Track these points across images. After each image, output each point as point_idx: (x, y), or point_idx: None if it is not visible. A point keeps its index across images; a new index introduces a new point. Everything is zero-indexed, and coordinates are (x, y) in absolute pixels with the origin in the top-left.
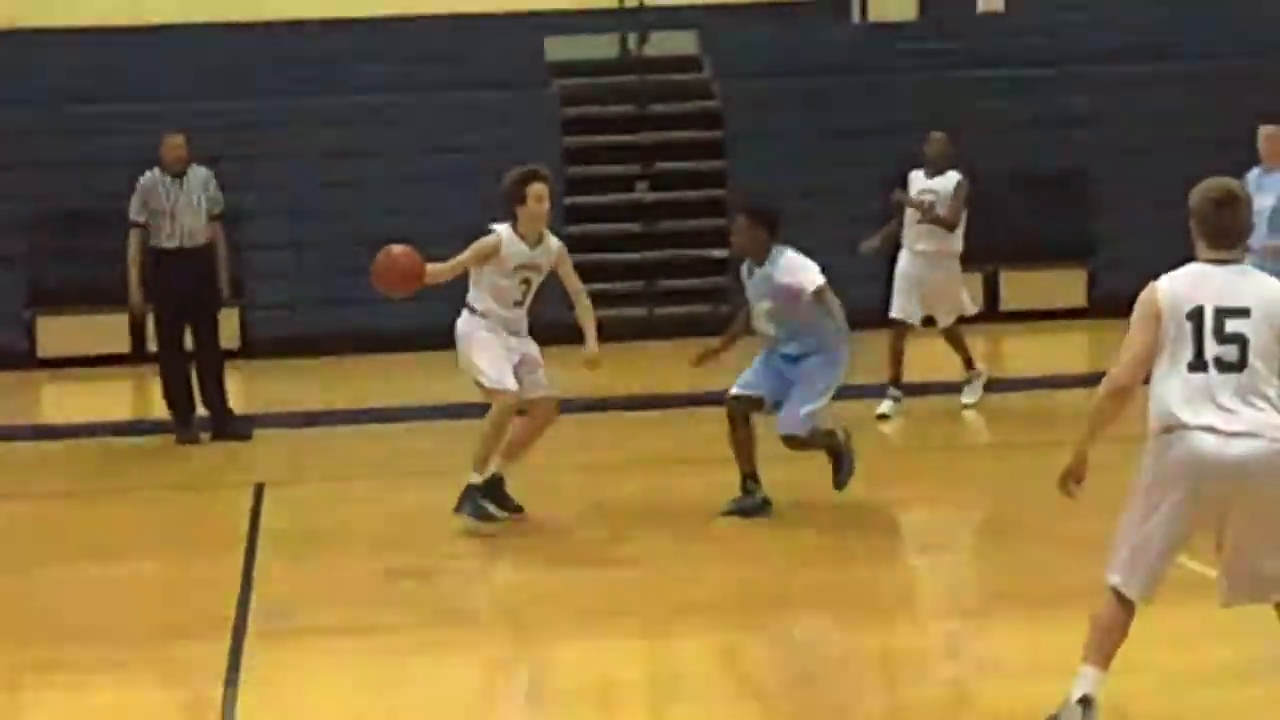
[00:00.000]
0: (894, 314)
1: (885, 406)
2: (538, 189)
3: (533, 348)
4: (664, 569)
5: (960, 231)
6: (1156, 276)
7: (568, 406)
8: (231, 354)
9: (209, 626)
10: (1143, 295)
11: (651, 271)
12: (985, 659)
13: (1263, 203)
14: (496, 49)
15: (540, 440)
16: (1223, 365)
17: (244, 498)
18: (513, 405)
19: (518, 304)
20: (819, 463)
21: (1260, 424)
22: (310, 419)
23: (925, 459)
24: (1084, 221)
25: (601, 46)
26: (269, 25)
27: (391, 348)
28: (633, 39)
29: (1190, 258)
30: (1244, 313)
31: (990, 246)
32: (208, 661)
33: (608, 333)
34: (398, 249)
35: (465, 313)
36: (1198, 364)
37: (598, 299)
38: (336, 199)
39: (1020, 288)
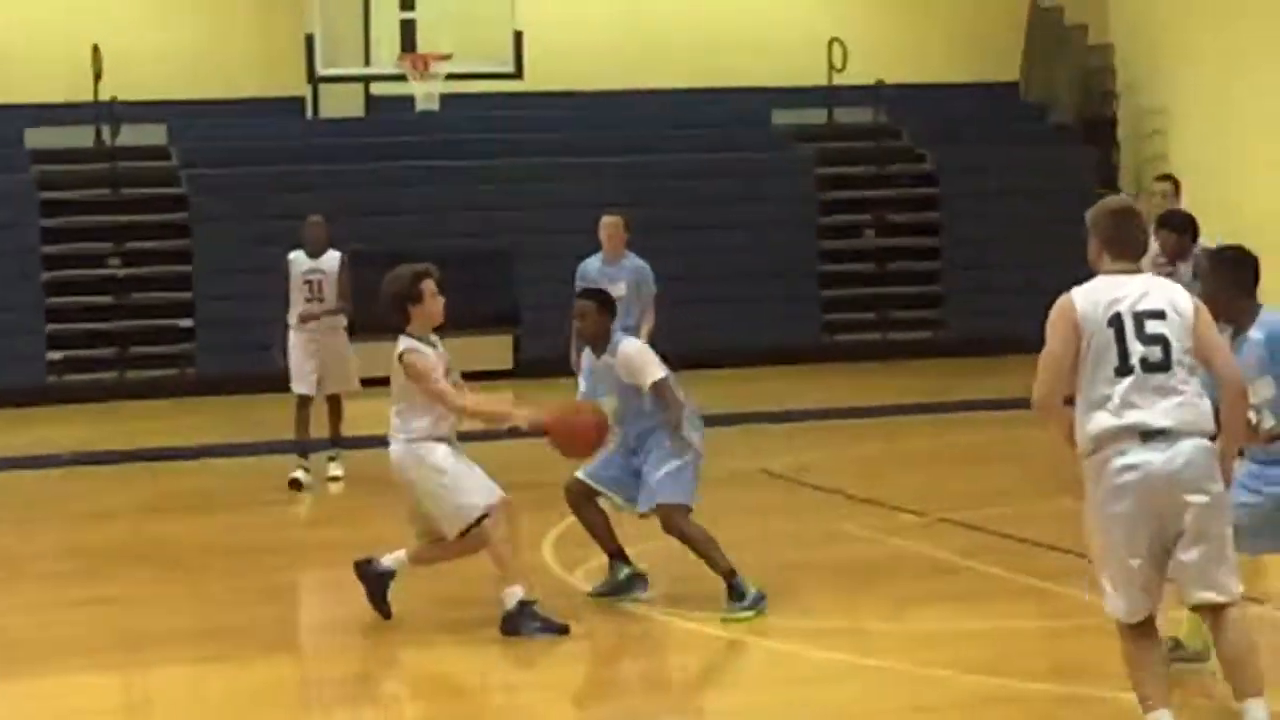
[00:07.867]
0: (297, 388)
1: (332, 469)
2: (432, 284)
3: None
4: (139, 605)
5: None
6: (569, 339)
7: (59, 460)
8: None
9: None
10: (1056, 310)
11: (123, 339)
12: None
13: (614, 291)
14: None
15: (31, 491)
16: (1148, 365)
17: None
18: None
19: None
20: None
21: (1188, 420)
22: None
23: (367, 504)
24: (510, 294)
25: (78, 136)
26: None
27: None
28: (107, 130)
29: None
30: (1160, 314)
31: None
32: None
33: (83, 395)
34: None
35: (401, 446)
36: (1124, 368)
37: (73, 365)
38: None
39: (455, 353)
